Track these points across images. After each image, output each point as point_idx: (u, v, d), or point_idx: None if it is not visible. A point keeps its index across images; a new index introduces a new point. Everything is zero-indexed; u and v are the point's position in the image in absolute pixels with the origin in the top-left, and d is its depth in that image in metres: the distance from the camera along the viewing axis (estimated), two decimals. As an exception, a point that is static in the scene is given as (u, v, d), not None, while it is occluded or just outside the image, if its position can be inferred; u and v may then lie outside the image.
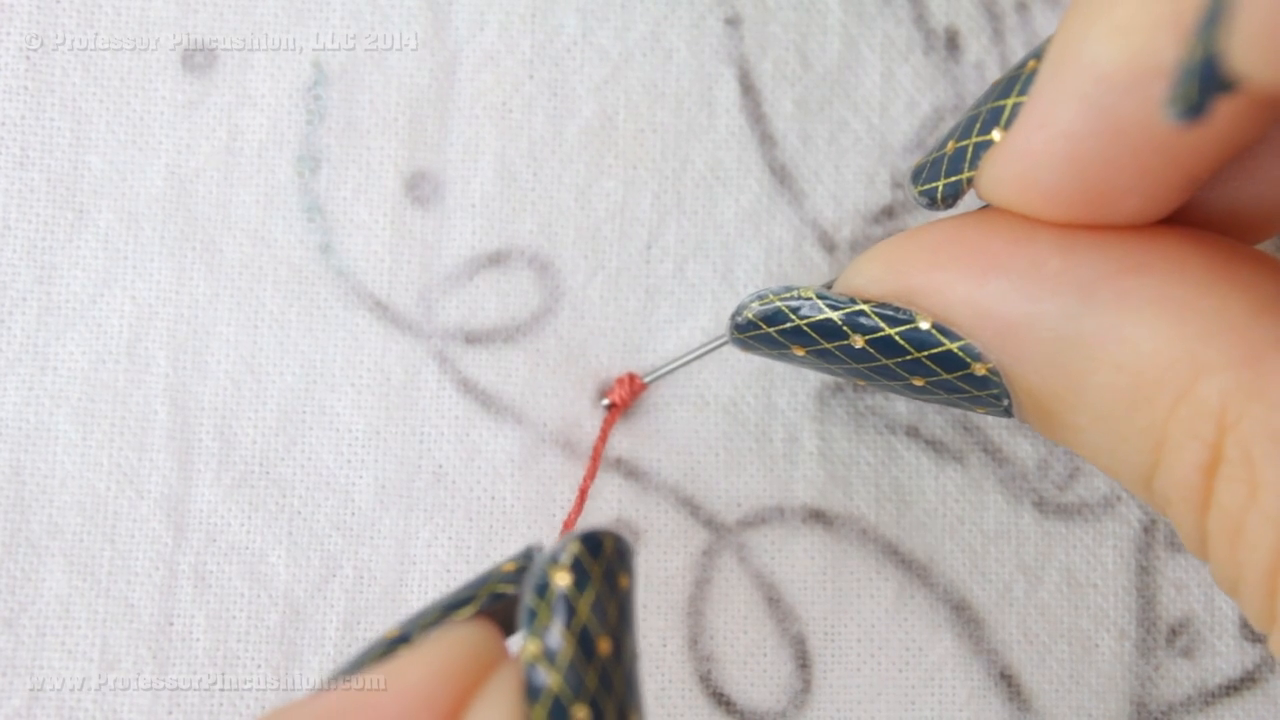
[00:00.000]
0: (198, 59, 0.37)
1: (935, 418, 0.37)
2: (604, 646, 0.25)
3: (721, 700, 0.36)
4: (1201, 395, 0.25)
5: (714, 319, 0.37)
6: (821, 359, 0.31)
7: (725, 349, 0.37)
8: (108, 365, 0.36)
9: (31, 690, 0.35)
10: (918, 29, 0.38)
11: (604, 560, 0.25)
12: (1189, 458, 0.26)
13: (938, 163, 0.30)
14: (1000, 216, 0.28)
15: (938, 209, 0.30)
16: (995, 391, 0.29)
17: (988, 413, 0.30)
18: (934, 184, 0.30)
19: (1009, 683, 0.36)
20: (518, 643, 0.25)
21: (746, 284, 0.37)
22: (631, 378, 0.36)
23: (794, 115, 0.38)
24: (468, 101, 0.37)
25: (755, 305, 0.31)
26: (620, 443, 0.37)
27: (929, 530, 0.37)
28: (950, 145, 0.30)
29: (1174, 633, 0.37)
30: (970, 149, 0.29)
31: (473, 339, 0.37)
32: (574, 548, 0.25)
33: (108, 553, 0.35)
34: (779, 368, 0.37)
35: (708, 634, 0.36)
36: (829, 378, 0.37)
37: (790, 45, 0.38)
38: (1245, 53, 0.20)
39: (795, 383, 0.37)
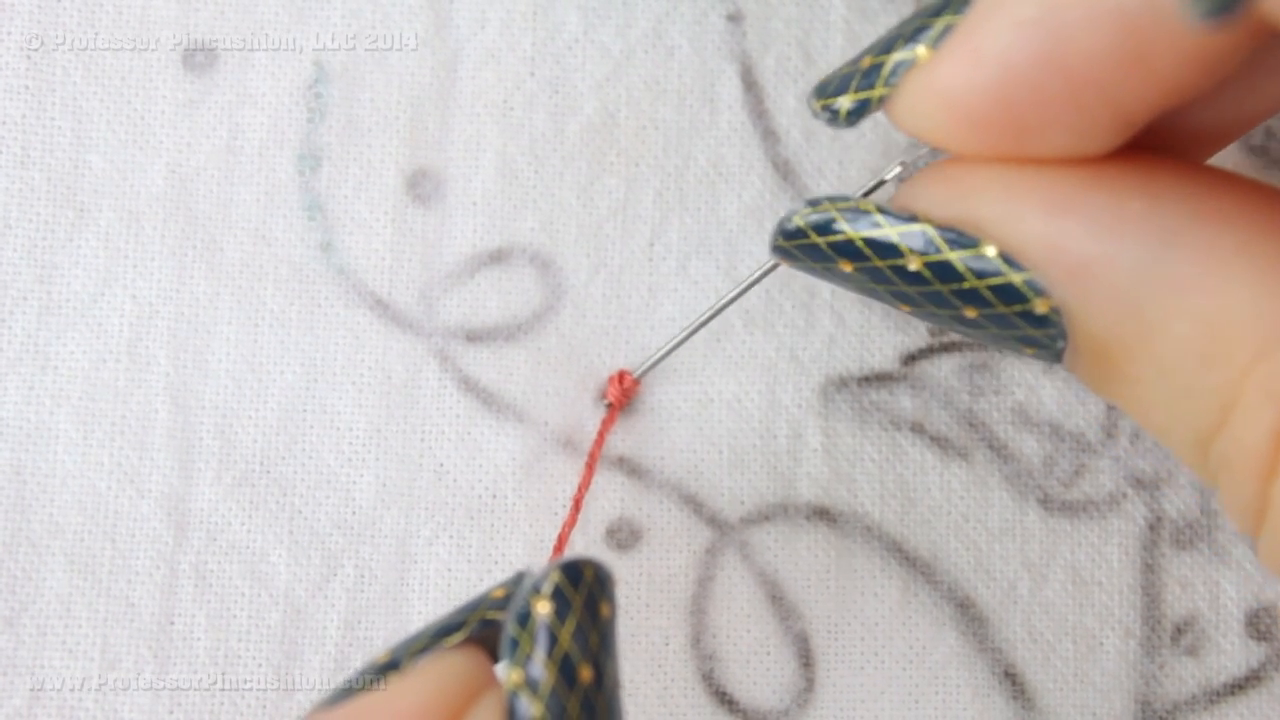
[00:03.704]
0: (198, 58, 0.37)
1: (940, 414, 0.37)
2: (585, 674, 0.25)
3: (724, 699, 0.36)
4: None
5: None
6: (870, 278, 0.28)
7: (713, 345, 0.37)
8: (108, 364, 0.36)
9: (32, 690, 0.35)
10: (920, 24, 0.38)
11: (585, 589, 0.26)
12: (1264, 420, 0.24)
13: (848, 77, 0.28)
14: None
15: (838, 126, 0.28)
16: (1052, 332, 0.27)
17: (1036, 355, 0.28)
18: (839, 98, 0.28)
19: (1013, 681, 0.36)
20: (503, 671, 0.25)
21: (749, 281, 0.37)
22: (623, 375, 0.36)
23: (797, 111, 0.38)
24: (469, 99, 0.37)
25: (807, 211, 0.28)
26: (622, 440, 0.37)
27: (933, 528, 0.37)
28: (866, 60, 0.28)
29: (1179, 631, 0.37)
30: (888, 65, 0.27)
31: (474, 337, 0.37)
32: (555, 577, 0.26)
33: (108, 552, 0.35)
34: (781, 364, 0.37)
35: (710, 632, 0.36)
36: (833, 372, 0.37)
37: (793, 41, 0.38)
38: None
39: (799, 378, 0.37)
